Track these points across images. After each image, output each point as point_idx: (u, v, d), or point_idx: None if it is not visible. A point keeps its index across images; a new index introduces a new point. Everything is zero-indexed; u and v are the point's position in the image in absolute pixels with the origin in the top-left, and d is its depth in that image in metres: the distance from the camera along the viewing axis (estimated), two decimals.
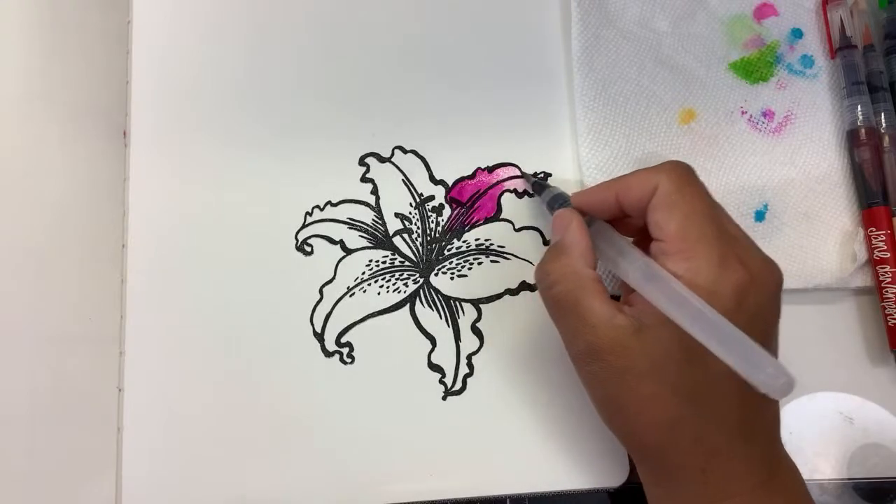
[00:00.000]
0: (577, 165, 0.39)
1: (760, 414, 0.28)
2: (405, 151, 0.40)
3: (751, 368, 0.23)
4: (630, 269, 0.28)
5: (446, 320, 0.37)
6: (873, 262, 0.37)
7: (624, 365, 0.27)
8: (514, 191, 0.39)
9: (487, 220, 0.39)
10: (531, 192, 0.38)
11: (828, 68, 0.40)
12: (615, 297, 0.29)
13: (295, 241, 0.38)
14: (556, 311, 0.30)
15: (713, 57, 0.40)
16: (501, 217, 0.39)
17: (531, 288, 0.38)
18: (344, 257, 0.38)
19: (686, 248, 0.27)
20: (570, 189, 0.39)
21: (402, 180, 0.39)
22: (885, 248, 0.36)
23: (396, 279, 0.38)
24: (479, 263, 0.38)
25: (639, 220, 0.30)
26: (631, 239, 0.31)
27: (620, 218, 0.31)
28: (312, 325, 0.37)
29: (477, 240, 0.38)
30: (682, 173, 0.29)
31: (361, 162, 0.39)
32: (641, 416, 0.27)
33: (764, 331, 0.28)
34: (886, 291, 0.36)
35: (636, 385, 0.27)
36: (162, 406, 0.37)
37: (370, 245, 0.38)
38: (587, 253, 0.29)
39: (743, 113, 0.39)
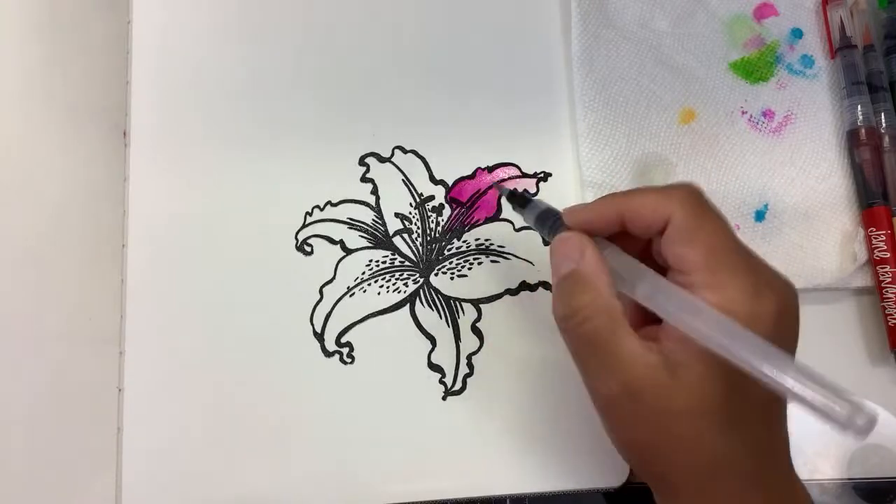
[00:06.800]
0: (577, 165, 0.39)
1: (784, 439, 0.27)
2: (405, 151, 0.40)
3: (827, 407, 0.21)
4: (658, 298, 0.26)
5: (446, 320, 0.37)
6: (873, 262, 0.37)
7: (662, 406, 0.26)
8: (515, 191, 0.39)
9: (487, 220, 0.39)
10: (519, 199, 0.33)
11: (828, 68, 0.40)
12: None
13: (295, 241, 0.38)
14: (584, 350, 0.27)
15: (713, 57, 0.40)
16: (501, 217, 0.39)
17: (531, 288, 0.38)
18: (344, 257, 0.38)
19: (716, 280, 0.26)
20: (570, 189, 0.39)
21: (402, 180, 0.39)
22: (885, 248, 0.36)
23: (396, 279, 0.38)
24: (479, 263, 0.38)
25: (642, 240, 0.28)
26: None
27: (617, 234, 0.29)
28: (312, 325, 0.37)
29: (477, 240, 0.38)
30: (697, 201, 0.27)
31: (361, 162, 0.39)
32: (683, 458, 0.26)
33: (795, 356, 0.27)
34: (886, 291, 0.36)
35: (677, 427, 0.26)
36: (162, 406, 0.36)
37: (370, 245, 0.38)
38: (612, 282, 0.27)
39: (743, 113, 0.39)
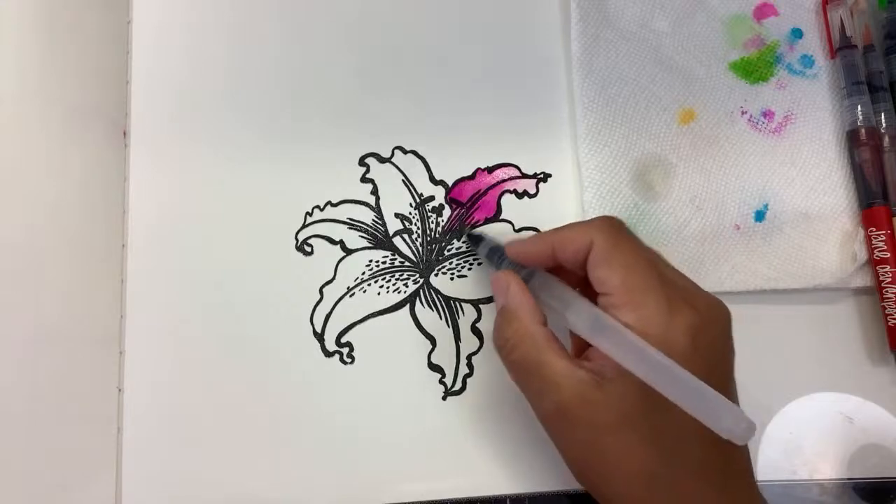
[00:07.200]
0: (576, 166, 0.39)
1: (732, 458, 0.28)
2: (405, 151, 0.40)
3: (711, 416, 0.23)
4: (578, 321, 0.28)
5: (446, 320, 0.37)
6: (873, 262, 0.37)
7: (592, 420, 0.27)
8: (514, 191, 0.39)
9: (487, 221, 0.39)
10: (473, 238, 0.37)
11: (828, 68, 0.40)
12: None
13: (295, 241, 0.38)
14: (519, 376, 0.30)
15: (713, 57, 0.40)
16: (501, 217, 0.39)
17: None
18: (344, 257, 0.38)
19: (633, 298, 0.27)
20: (570, 189, 0.39)
21: (402, 180, 0.39)
22: (885, 248, 0.36)
23: (396, 279, 0.38)
24: (479, 263, 0.38)
25: (577, 272, 0.30)
26: (576, 290, 0.31)
27: (559, 270, 0.31)
28: (312, 325, 0.37)
29: None
30: (615, 228, 0.29)
31: (361, 162, 0.39)
32: (616, 471, 0.27)
33: (722, 370, 0.28)
34: (886, 291, 0.36)
35: (606, 440, 0.27)
36: (162, 406, 0.37)
37: (370, 245, 0.38)
38: (535, 311, 0.29)
39: (743, 113, 0.39)
